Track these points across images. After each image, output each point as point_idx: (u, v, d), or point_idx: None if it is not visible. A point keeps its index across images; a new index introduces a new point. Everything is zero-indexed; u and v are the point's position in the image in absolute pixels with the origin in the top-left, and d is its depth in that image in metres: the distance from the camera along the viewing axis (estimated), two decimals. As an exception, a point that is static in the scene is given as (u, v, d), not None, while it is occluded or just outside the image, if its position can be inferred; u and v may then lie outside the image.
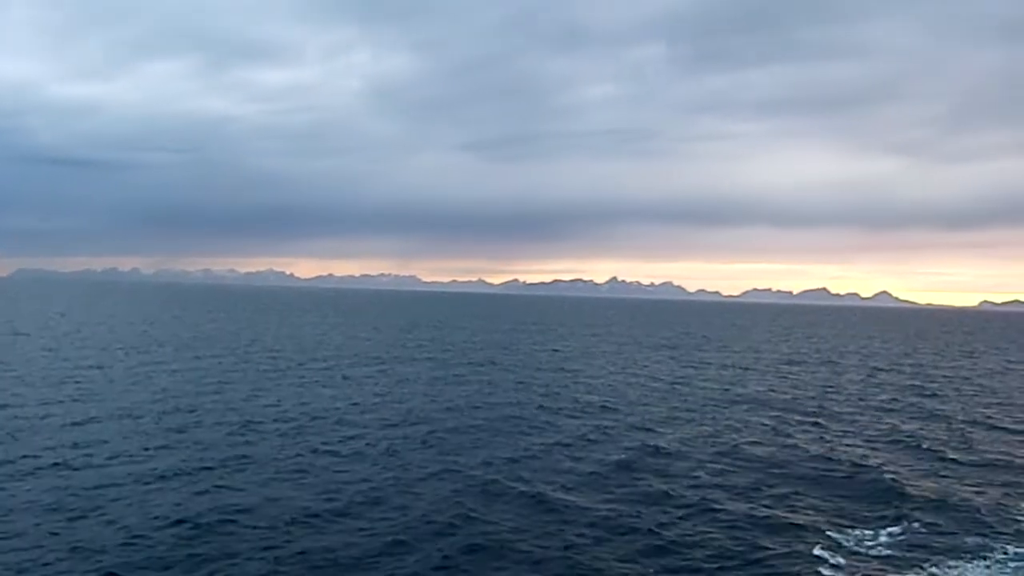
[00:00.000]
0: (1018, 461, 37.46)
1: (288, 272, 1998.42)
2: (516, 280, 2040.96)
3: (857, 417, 49.54)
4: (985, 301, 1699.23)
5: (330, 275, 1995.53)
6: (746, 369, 79.84)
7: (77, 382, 52.65)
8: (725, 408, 51.72)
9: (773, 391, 61.45)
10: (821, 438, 41.99)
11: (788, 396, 58.69)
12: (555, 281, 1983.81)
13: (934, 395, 62.09)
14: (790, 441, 40.77)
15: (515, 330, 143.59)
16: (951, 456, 38.06)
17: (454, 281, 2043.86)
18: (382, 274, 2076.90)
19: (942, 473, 34.70)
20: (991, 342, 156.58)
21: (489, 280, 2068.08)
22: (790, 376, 74.12)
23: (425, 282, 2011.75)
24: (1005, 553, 24.14)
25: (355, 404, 47.79)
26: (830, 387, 65.50)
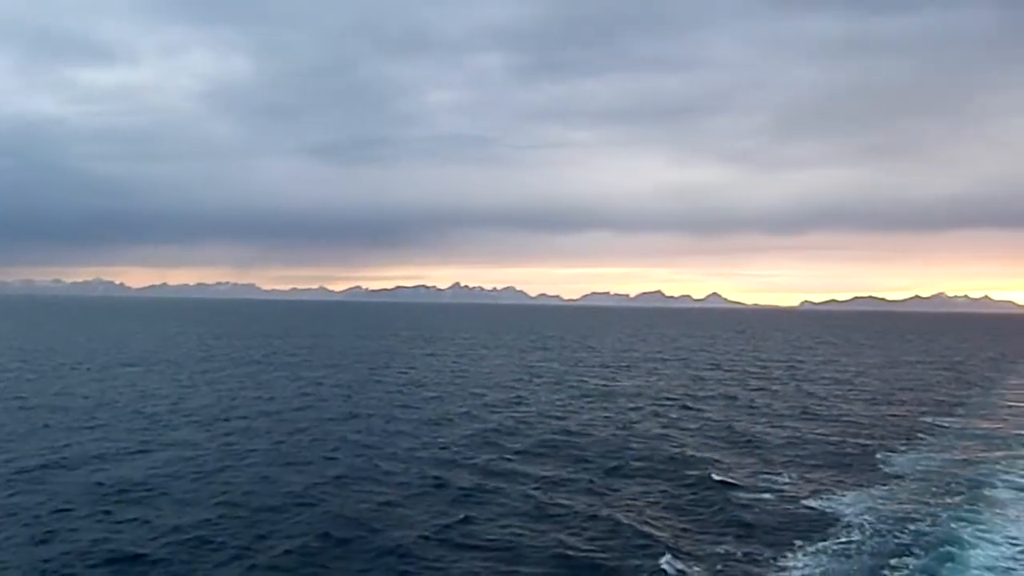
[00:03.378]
0: (818, 437, 42.70)
1: (118, 282, 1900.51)
2: (359, 287, 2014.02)
3: (688, 405, 54.02)
4: (805, 301, 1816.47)
5: (164, 284, 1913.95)
6: (584, 365, 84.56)
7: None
8: (562, 399, 55.16)
9: (610, 384, 65.70)
10: (655, 425, 45.95)
11: (625, 387, 63.00)
12: (398, 288, 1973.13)
13: (758, 388, 68.17)
14: (626, 428, 44.43)
15: (356, 336, 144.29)
16: (767, 439, 42.89)
17: (294, 289, 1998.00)
18: (219, 283, 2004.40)
19: (755, 456, 39.18)
20: (808, 338, 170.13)
21: (331, 287, 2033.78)
22: (627, 371, 79.09)
23: (264, 290, 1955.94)
24: (814, 528, 28.26)
25: (206, 405, 48.33)
26: (662, 381, 70.64)
